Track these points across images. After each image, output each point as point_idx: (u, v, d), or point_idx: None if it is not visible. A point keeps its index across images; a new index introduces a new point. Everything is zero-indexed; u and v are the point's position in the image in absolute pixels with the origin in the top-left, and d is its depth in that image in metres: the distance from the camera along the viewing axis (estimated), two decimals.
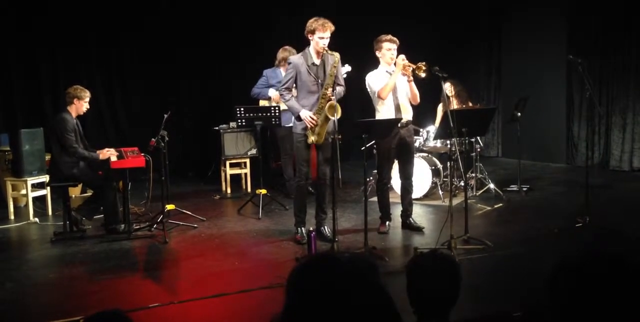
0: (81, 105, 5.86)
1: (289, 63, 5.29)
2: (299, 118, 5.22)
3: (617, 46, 8.70)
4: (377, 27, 6.16)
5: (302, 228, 5.46)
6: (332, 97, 5.04)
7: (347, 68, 6.03)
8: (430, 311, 2.11)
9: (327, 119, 5.12)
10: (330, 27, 5.08)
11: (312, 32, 5.10)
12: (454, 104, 7.43)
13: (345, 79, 5.57)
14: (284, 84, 5.30)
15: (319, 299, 1.25)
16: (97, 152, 5.88)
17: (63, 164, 5.71)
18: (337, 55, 5.13)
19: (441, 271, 2.15)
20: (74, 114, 5.85)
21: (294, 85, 5.30)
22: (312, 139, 5.22)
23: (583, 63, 5.73)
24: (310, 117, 5.14)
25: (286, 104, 5.38)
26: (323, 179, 5.39)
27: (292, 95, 5.32)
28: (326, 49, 5.09)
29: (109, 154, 5.84)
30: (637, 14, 8.35)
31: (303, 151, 5.32)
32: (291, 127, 5.63)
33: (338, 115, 4.99)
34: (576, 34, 9.18)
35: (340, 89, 5.29)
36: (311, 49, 5.22)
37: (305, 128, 5.21)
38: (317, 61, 5.21)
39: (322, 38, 5.07)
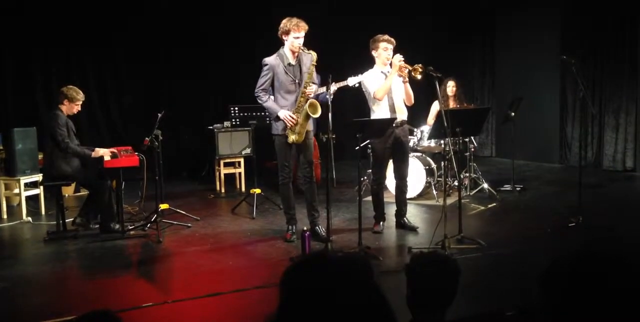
0: (72, 107, 5.83)
1: (265, 65, 5.25)
2: (277, 118, 5.21)
3: (611, 47, 8.75)
4: (372, 27, 6.15)
5: (293, 226, 5.48)
6: (311, 96, 5.08)
7: (360, 78, 5.98)
8: (427, 311, 2.12)
9: (307, 117, 5.14)
10: (304, 27, 5.10)
11: (287, 32, 5.11)
12: (451, 104, 7.44)
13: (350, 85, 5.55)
14: (260, 86, 5.24)
15: (312, 298, 1.25)
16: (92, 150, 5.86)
17: (57, 161, 5.68)
18: (314, 54, 5.14)
19: (442, 272, 2.16)
20: (65, 113, 5.83)
21: (271, 86, 5.29)
22: (292, 138, 5.21)
23: (576, 63, 5.76)
24: (290, 116, 5.14)
25: (264, 105, 5.32)
26: (308, 178, 5.40)
27: (269, 97, 5.30)
28: (302, 47, 5.10)
29: (103, 152, 5.82)
30: (631, 15, 8.39)
31: (285, 152, 5.31)
32: None
33: (318, 113, 5.00)
34: (570, 35, 9.23)
35: (315, 88, 5.29)
36: (286, 50, 5.22)
37: (285, 128, 5.21)
38: (293, 61, 5.22)
39: (297, 38, 5.09)
